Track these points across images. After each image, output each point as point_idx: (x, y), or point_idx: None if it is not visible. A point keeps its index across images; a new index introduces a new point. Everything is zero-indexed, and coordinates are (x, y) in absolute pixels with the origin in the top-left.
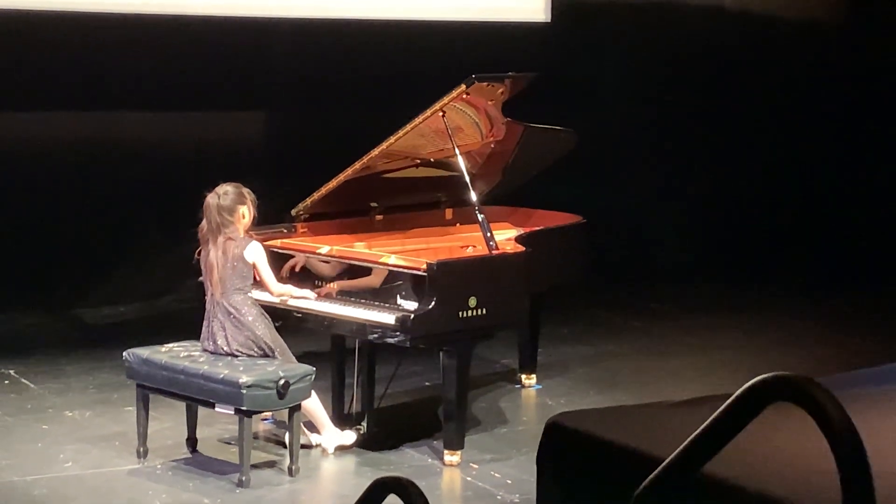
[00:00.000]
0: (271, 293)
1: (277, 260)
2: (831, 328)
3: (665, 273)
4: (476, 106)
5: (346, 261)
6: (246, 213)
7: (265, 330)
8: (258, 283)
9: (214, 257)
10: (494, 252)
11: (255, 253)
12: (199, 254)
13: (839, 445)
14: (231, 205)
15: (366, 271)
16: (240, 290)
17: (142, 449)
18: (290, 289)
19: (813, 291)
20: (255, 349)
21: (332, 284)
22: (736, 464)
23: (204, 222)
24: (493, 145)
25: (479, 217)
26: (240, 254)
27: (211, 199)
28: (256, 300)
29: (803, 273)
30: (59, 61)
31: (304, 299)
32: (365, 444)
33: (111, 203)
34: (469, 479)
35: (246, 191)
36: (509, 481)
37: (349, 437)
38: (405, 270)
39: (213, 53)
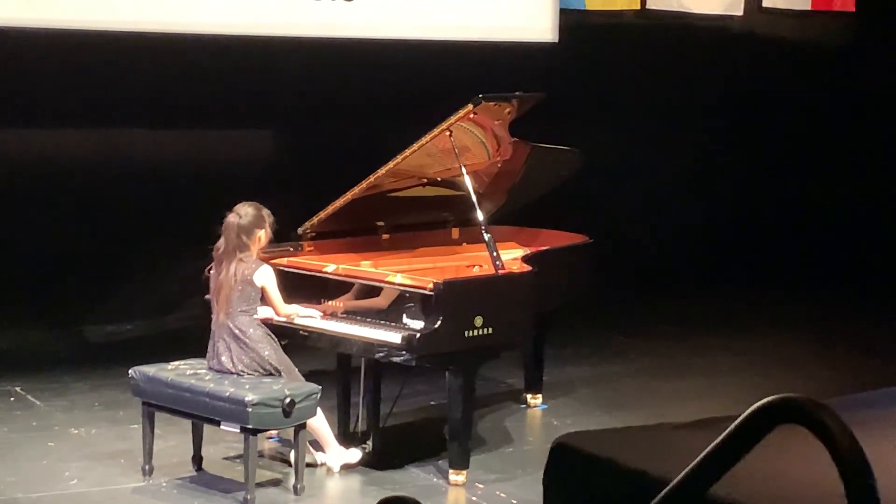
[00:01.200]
0: (278, 314)
1: (283, 279)
2: (839, 349)
3: (671, 293)
4: (483, 126)
5: (353, 280)
6: (263, 236)
7: (271, 351)
8: (265, 302)
9: (225, 278)
10: (501, 272)
11: (265, 277)
12: (209, 271)
13: (846, 468)
14: (249, 226)
15: (375, 292)
16: (245, 312)
17: (147, 467)
18: (296, 309)
19: (820, 312)
20: (261, 370)
21: (337, 304)
22: (743, 486)
23: (222, 241)
24: (499, 165)
25: (486, 236)
26: (249, 277)
27: (232, 218)
28: (262, 320)
29: (811, 294)
30: (69, 79)
31: (309, 318)
32: (370, 462)
33: (118, 220)
34: (474, 498)
35: (266, 213)
36: (514, 501)
37: (354, 455)
38: (412, 289)
39: (221, 72)
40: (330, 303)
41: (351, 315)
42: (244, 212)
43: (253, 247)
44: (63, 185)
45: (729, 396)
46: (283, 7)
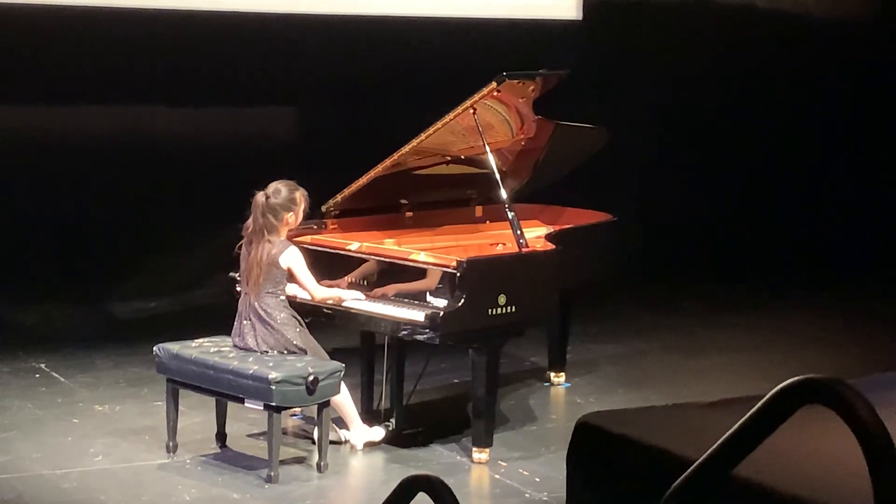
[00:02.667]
0: (313, 298)
1: (307, 256)
2: (863, 328)
3: (696, 271)
4: (507, 103)
5: (376, 258)
6: (292, 218)
7: (295, 333)
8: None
9: (254, 258)
10: (524, 250)
11: (292, 258)
12: (239, 248)
13: (870, 448)
14: (277, 207)
15: (405, 273)
16: (271, 294)
17: (171, 443)
18: (337, 292)
19: (844, 290)
20: (285, 352)
21: (388, 288)
22: (767, 466)
23: (250, 220)
24: (523, 143)
25: (510, 214)
26: (275, 259)
27: (259, 197)
28: (289, 298)
29: (834, 272)
30: (92, 56)
31: (356, 300)
32: (394, 440)
33: (142, 197)
34: (497, 476)
35: (300, 194)
36: (538, 479)
37: (378, 433)
38: (435, 267)
39: (244, 49)
40: (377, 289)
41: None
42: (274, 189)
43: (281, 228)
44: (88, 162)
45: (753, 376)
46: None
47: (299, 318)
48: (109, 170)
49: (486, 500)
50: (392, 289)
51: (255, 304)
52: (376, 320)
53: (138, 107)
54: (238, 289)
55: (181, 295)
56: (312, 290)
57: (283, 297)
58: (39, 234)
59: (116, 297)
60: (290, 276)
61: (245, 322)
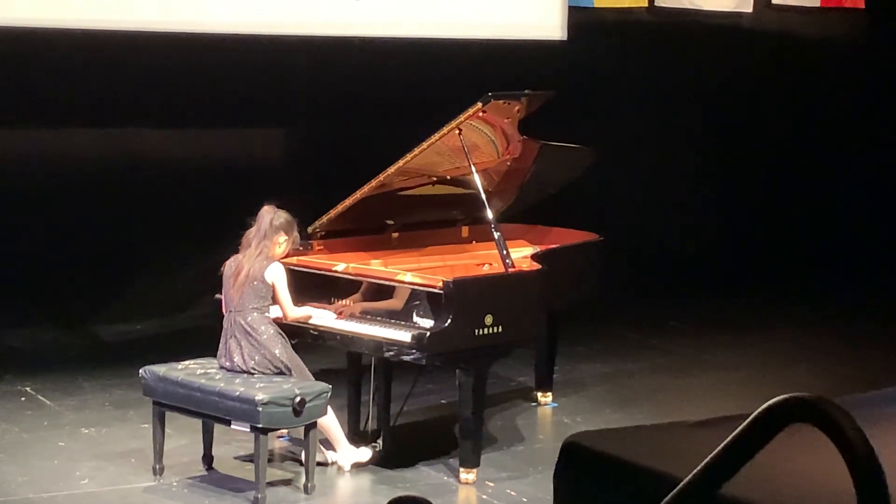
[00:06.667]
0: (286, 317)
1: (293, 277)
2: (850, 347)
3: (682, 290)
4: (492, 124)
5: (363, 278)
6: (284, 243)
7: (282, 349)
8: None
9: (242, 264)
10: (511, 270)
11: (275, 274)
12: (225, 266)
13: (857, 467)
14: (279, 226)
15: (388, 292)
16: (256, 309)
17: (158, 466)
18: (307, 311)
19: (832, 310)
20: (272, 368)
21: (353, 305)
22: (754, 485)
23: (254, 228)
24: (509, 163)
25: (496, 235)
26: (260, 273)
27: (267, 210)
28: (273, 320)
29: (822, 291)
30: (82, 78)
31: (327, 320)
32: (381, 461)
33: (129, 220)
34: (485, 497)
35: (296, 230)
36: (525, 499)
37: (365, 454)
38: (422, 288)
39: (232, 71)
40: (343, 302)
41: (361, 314)
42: (280, 213)
43: (273, 246)
44: (75, 185)
45: (740, 395)
46: (293, 6)
47: (284, 335)
48: (96, 192)
49: None
50: (358, 306)
51: (241, 320)
52: (363, 341)
53: (125, 129)
54: (223, 309)
55: (167, 317)
56: (287, 308)
57: (267, 314)
58: (26, 255)
59: (102, 320)
60: (272, 295)
61: (231, 340)
